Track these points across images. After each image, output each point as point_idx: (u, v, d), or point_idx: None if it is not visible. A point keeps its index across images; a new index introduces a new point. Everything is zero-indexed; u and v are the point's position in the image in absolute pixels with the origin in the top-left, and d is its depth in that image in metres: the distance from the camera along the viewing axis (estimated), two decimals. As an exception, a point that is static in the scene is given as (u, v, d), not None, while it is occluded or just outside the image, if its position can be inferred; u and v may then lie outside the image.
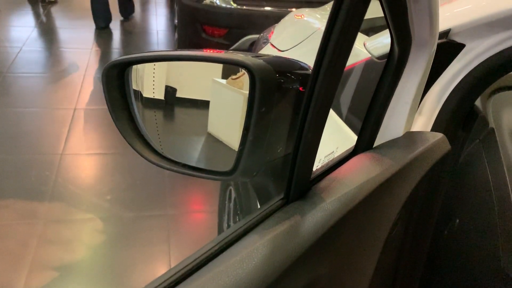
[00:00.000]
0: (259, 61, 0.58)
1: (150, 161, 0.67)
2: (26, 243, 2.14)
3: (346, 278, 0.61)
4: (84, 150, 2.94)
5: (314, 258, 0.52)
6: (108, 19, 5.16)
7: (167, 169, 0.67)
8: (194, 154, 0.71)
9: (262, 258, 0.48)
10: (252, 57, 0.59)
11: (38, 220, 2.28)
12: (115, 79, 0.63)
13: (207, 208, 2.56)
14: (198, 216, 2.54)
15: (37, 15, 5.44)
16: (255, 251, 0.49)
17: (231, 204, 1.76)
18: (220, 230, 2.08)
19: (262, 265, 0.47)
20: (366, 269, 0.64)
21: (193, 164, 0.68)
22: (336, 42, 0.45)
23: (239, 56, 0.59)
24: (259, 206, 1.28)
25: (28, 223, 2.27)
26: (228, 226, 1.85)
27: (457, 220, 0.86)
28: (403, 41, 0.60)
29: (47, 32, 5.08)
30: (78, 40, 4.82)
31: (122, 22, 5.50)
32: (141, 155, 0.67)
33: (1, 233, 2.20)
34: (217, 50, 0.63)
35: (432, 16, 0.56)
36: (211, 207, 2.48)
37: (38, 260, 2.05)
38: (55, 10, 5.65)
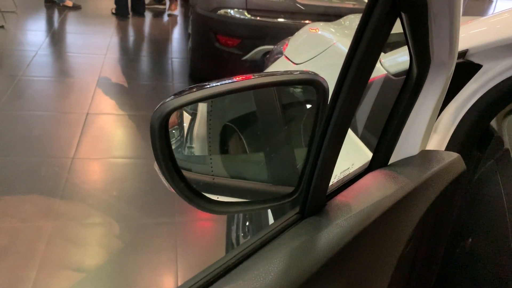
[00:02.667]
0: (316, 75, 0.60)
1: (212, 211, 0.62)
2: (35, 245, 2.16)
3: None
4: (95, 155, 2.97)
5: (329, 274, 0.52)
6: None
7: (229, 213, 0.64)
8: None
9: (279, 273, 0.48)
10: (306, 73, 0.61)
11: (47, 223, 2.30)
12: (165, 126, 0.54)
13: (215, 216, 2.56)
14: (206, 224, 2.54)
15: (52, 20, 5.52)
16: (272, 265, 0.49)
17: (240, 214, 1.77)
18: (228, 239, 2.08)
19: (279, 280, 0.47)
20: (380, 286, 0.64)
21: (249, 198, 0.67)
22: (360, 61, 0.46)
23: (303, 75, 0.61)
24: (270, 216, 1.28)
25: (36, 226, 2.29)
26: (237, 236, 1.85)
27: (470, 239, 0.86)
28: (422, 62, 0.61)
29: (63, 36, 5.16)
30: (93, 45, 4.89)
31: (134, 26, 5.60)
32: (204, 209, 0.61)
33: (11, 236, 2.22)
34: (261, 73, 0.62)
35: (452, 38, 0.57)
36: (219, 216, 2.49)
37: (46, 263, 2.06)
38: (70, 15, 5.73)
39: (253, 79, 0.61)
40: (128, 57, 4.85)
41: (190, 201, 0.59)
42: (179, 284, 2.08)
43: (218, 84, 0.57)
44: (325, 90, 0.60)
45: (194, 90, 0.55)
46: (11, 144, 2.96)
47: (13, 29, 5.08)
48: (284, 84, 0.66)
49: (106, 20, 5.79)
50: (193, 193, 0.60)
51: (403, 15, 0.50)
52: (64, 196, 2.52)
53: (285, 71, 0.64)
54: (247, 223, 1.64)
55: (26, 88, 3.80)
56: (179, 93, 0.55)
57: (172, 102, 0.54)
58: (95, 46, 4.85)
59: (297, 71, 0.72)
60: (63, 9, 5.76)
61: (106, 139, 3.23)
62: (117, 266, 2.15)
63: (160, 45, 5.33)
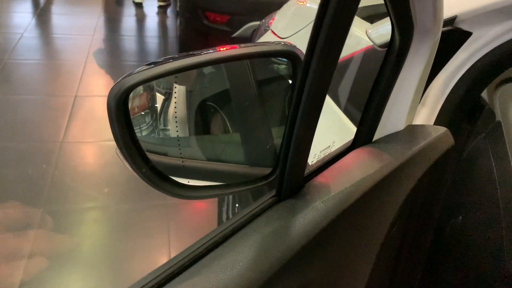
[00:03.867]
0: (292, 46, 0.55)
1: (181, 196, 0.57)
2: (26, 231, 2.13)
3: (340, 282, 0.57)
4: (84, 139, 2.92)
5: (304, 261, 0.49)
6: None
7: (201, 198, 0.59)
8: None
9: (247, 263, 0.44)
10: (282, 44, 0.55)
11: (37, 209, 2.26)
12: (123, 104, 0.49)
13: (207, 197, 2.54)
14: (198, 205, 2.51)
15: (38, 0, 5.37)
16: (240, 254, 0.45)
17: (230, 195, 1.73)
18: (219, 220, 2.05)
19: (247, 270, 0.44)
20: (362, 272, 0.60)
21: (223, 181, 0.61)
22: (329, 27, 0.41)
23: (280, 46, 0.56)
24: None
25: (27, 211, 2.25)
26: (228, 216, 1.82)
27: (460, 217, 0.82)
28: (404, 29, 0.56)
29: (49, 18, 5.03)
30: (80, 26, 4.77)
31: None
32: (171, 194, 0.56)
33: (0, 222, 2.19)
34: (232, 45, 0.55)
35: (436, 4, 0.52)
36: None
37: (36, 249, 2.03)
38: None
39: (223, 52, 0.55)
40: (116, 37, 4.75)
41: (155, 185, 0.54)
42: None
43: (184, 57, 0.53)
44: (296, 64, 0.55)
45: (153, 65, 0.50)
46: (-2, 130, 2.91)
47: (-3, 11, 4.95)
48: (257, 56, 0.60)
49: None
50: (159, 177, 0.56)
51: None
52: (54, 181, 2.48)
53: (259, 42, 0.59)
54: (237, 205, 1.60)
55: (12, 71, 3.72)
56: (140, 69, 0.51)
57: (131, 78, 0.49)
58: (83, 27, 4.74)
59: (273, 42, 0.67)
60: None
61: (96, 121, 3.17)
62: (110, 251, 2.13)
63: (149, 24, 5.22)
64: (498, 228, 0.74)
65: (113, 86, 0.49)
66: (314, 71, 0.43)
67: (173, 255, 2.07)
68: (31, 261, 1.97)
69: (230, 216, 1.72)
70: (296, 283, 0.48)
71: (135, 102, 0.57)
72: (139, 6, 5.41)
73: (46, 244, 2.08)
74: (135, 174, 0.54)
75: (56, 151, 2.72)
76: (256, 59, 0.63)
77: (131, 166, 0.53)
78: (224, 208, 1.87)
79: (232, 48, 0.56)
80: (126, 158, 0.52)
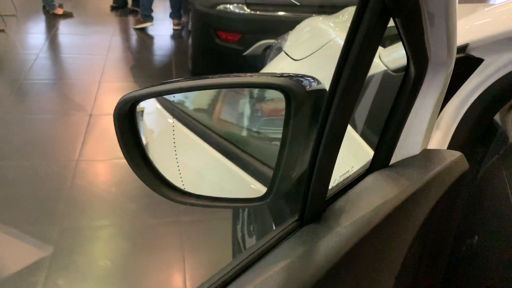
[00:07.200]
0: (292, 81, 0.57)
1: (173, 199, 0.64)
2: (43, 248, 2.17)
3: None
4: (99, 157, 2.97)
5: (329, 285, 0.51)
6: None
7: (193, 205, 0.65)
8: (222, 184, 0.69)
9: (276, 287, 0.47)
10: (280, 76, 0.57)
11: (53, 227, 2.30)
12: (128, 115, 0.60)
13: (220, 215, 2.56)
14: (211, 223, 2.53)
15: (53, 22, 5.51)
16: (269, 280, 0.48)
17: (245, 213, 1.76)
18: (234, 238, 2.07)
19: (277, 295, 0.46)
20: None
21: (219, 195, 0.65)
22: (352, 67, 0.44)
23: (272, 79, 0.58)
24: (272, 219, 1.27)
25: (42, 229, 2.29)
26: (242, 234, 1.84)
27: (476, 237, 0.84)
28: (419, 62, 0.59)
29: (64, 38, 5.15)
30: (94, 46, 4.88)
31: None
32: (164, 196, 0.63)
33: (20, 238, 2.23)
34: (235, 74, 0.60)
35: (449, 37, 0.55)
36: (225, 214, 2.48)
37: (53, 267, 2.07)
38: (69, 18, 5.71)
39: (217, 79, 0.60)
40: (129, 56, 4.85)
41: (153, 188, 0.60)
42: (188, 283, 2.09)
43: (180, 81, 0.59)
44: (295, 97, 0.56)
45: (155, 85, 0.58)
46: (15, 148, 2.97)
47: (13, 32, 5.08)
48: (250, 86, 0.64)
49: (107, 19, 5.79)
50: (159, 180, 0.60)
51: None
52: (70, 199, 2.53)
53: (253, 73, 0.62)
54: (252, 225, 1.63)
55: (28, 91, 3.81)
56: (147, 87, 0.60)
57: (131, 94, 0.59)
58: (96, 47, 4.85)
59: (267, 73, 0.69)
60: (54, 17, 5.63)
61: (111, 140, 3.22)
62: (124, 267, 2.15)
63: (162, 44, 5.31)
64: None
65: (119, 100, 0.60)
66: (337, 105, 0.46)
67: (188, 271, 2.08)
68: (48, 280, 2.00)
69: (246, 234, 1.74)
70: (322, 306, 0.51)
71: None
72: (144, 29, 5.49)
73: (63, 262, 2.11)
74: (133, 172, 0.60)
75: (72, 169, 2.77)
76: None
77: (132, 168, 0.58)
78: (239, 226, 1.89)
79: (228, 76, 0.60)
80: (127, 160, 0.57)
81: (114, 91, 3.93)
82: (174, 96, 0.74)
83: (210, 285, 0.49)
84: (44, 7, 5.69)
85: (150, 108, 0.75)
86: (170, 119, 0.77)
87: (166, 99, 0.76)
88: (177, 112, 0.79)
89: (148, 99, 0.62)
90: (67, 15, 5.65)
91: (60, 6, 5.66)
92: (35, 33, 5.21)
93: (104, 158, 2.97)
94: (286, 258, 0.51)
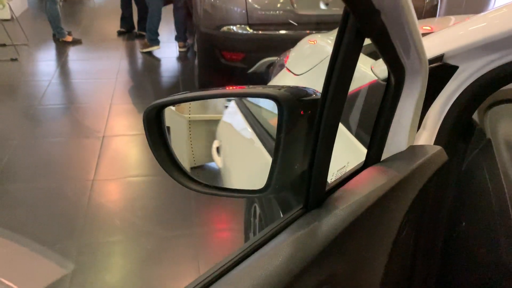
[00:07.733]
0: (284, 92, 0.68)
1: (187, 186, 0.77)
2: (63, 265, 2.28)
3: (359, 276, 0.70)
4: (113, 176, 3.10)
5: (330, 257, 0.62)
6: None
7: (203, 192, 0.77)
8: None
9: (287, 255, 0.58)
10: (277, 89, 0.69)
11: (72, 242, 2.41)
12: (154, 119, 0.75)
13: (232, 226, 2.67)
14: (224, 234, 2.64)
15: (63, 49, 5.71)
16: (281, 250, 0.59)
17: (256, 221, 1.86)
18: (246, 235, 2.17)
19: (287, 261, 0.57)
20: (377, 268, 0.73)
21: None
22: (337, 81, 0.56)
23: (266, 90, 0.71)
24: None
25: (63, 246, 2.40)
26: (254, 231, 1.94)
27: (463, 223, 0.95)
28: (397, 71, 0.71)
29: (75, 64, 5.34)
30: (103, 70, 5.05)
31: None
32: (180, 183, 0.77)
33: (41, 256, 2.34)
34: (240, 86, 0.74)
35: (418, 50, 0.67)
36: (236, 225, 2.58)
37: (74, 282, 2.17)
38: (78, 45, 5.92)
39: (225, 90, 0.78)
40: (138, 79, 5.01)
41: (167, 170, 0.76)
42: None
43: (199, 91, 0.76)
44: (286, 105, 0.65)
45: (176, 94, 0.76)
46: (33, 171, 3.10)
47: (26, 61, 5.28)
48: (249, 96, 0.81)
49: (114, 44, 5.99)
50: (174, 166, 0.76)
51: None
52: (87, 217, 2.64)
53: (252, 86, 0.76)
54: (264, 229, 1.73)
55: (43, 116, 3.97)
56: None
57: (158, 101, 0.75)
58: (106, 71, 5.02)
59: (265, 86, 0.82)
60: (63, 44, 5.81)
61: (124, 159, 3.36)
62: (141, 279, 2.25)
63: (169, 65, 5.48)
64: (495, 230, 0.86)
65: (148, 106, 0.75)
66: (328, 108, 0.58)
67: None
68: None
69: (257, 231, 1.84)
70: (324, 274, 0.62)
71: None
72: (151, 52, 5.67)
73: (83, 278, 2.22)
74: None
75: (88, 189, 2.89)
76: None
77: (152, 152, 0.75)
78: (251, 235, 1.99)
79: (233, 87, 0.76)
80: (151, 151, 0.75)
81: (125, 113, 4.08)
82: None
83: (230, 259, 0.60)
84: (54, 35, 5.89)
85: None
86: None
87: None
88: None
89: (169, 106, 0.77)
90: (76, 42, 5.85)
91: (69, 33, 5.86)
92: (47, 61, 5.41)
93: (118, 177, 3.09)
94: (294, 234, 0.62)
